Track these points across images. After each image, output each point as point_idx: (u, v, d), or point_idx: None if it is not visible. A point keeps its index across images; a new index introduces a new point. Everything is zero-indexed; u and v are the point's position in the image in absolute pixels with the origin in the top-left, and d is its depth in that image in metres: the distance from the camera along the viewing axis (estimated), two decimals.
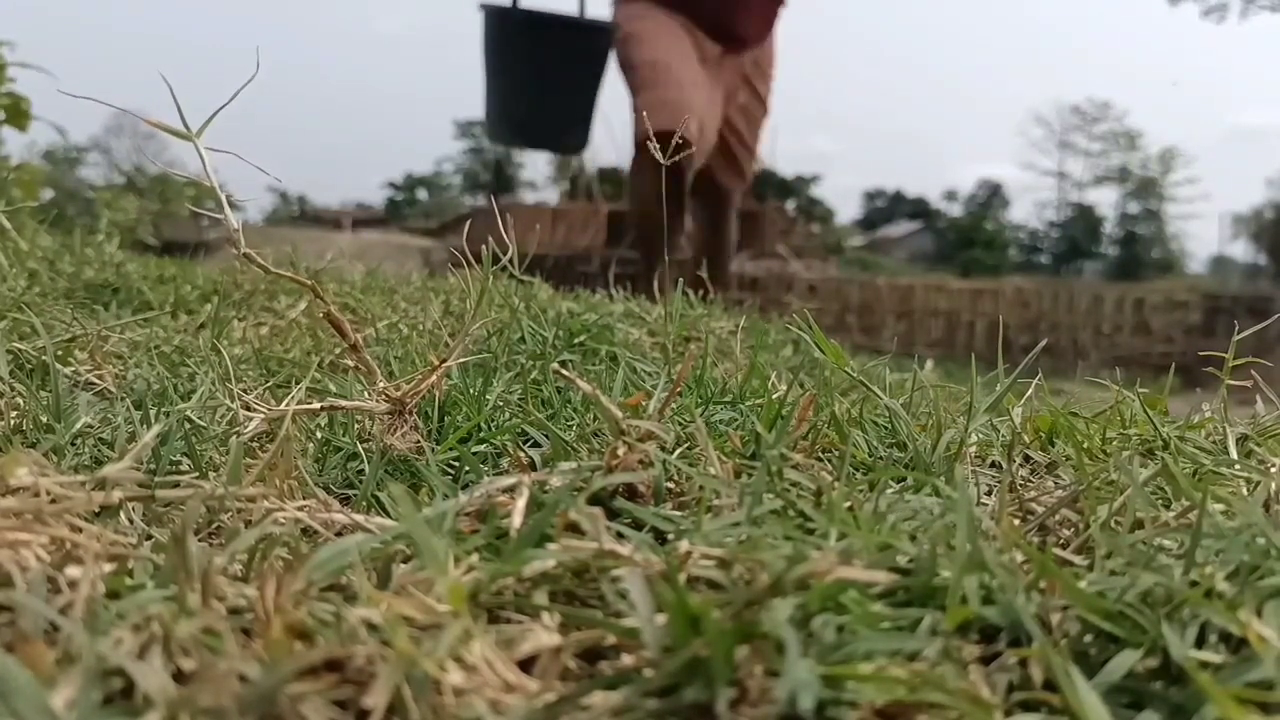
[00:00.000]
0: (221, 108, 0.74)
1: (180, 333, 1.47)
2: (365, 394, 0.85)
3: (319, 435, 0.86)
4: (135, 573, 0.49)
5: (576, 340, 1.43)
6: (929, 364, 1.43)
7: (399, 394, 0.82)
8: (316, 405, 0.80)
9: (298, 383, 0.92)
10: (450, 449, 0.81)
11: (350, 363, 0.87)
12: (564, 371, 0.79)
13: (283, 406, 0.79)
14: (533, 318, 1.56)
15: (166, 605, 0.42)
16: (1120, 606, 0.46)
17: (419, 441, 0.80)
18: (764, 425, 0.80)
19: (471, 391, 0.94)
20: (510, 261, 0.97)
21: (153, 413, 0.84)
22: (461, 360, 0.90)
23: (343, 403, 0.83)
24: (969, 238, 43.77)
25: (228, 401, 0.88)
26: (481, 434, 0.85)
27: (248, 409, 0.82)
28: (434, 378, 0.84)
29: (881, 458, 0.82)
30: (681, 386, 0.84)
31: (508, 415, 0.91)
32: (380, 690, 0.37)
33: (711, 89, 4.05)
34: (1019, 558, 0.53)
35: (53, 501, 0.52)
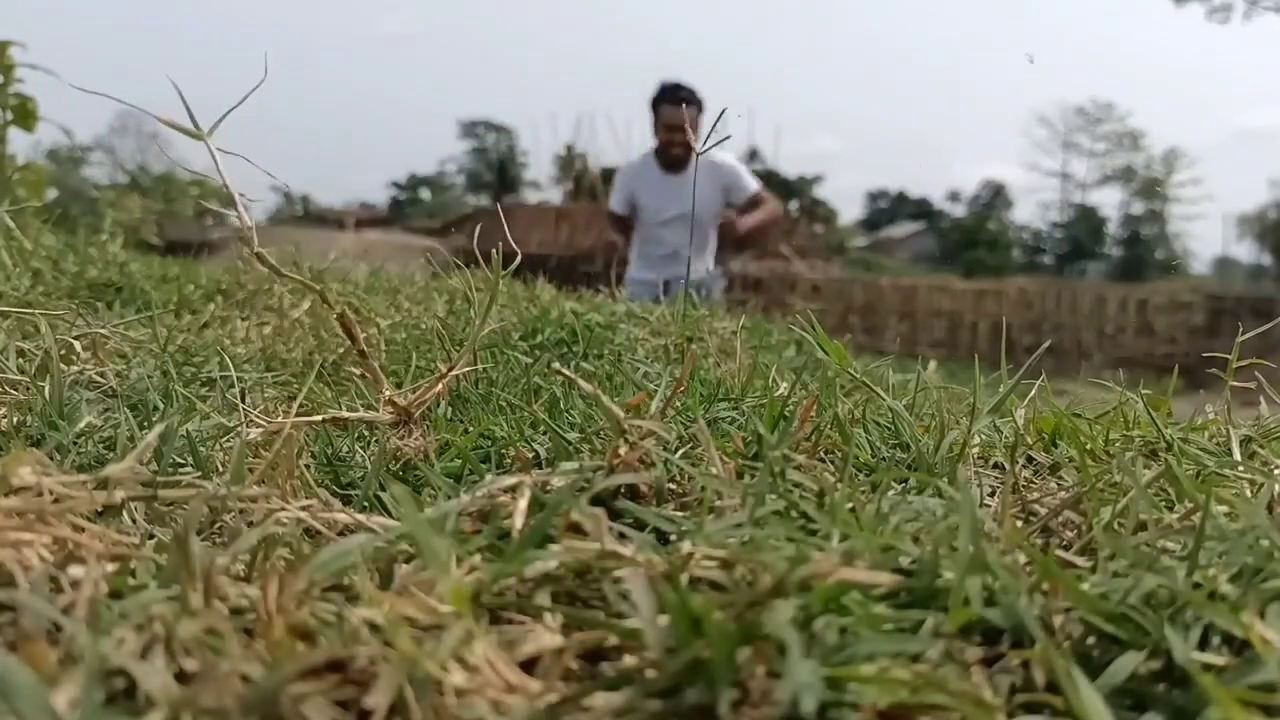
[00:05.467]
0: (232, 109, 0.75)
1: (184, 332, 1.47)
2: (372, 400, 0.86)
3: (323, 438, 0.87)
4: (137, 573, 0.49)
5: (579, 340, 1.43)
6: (931, 365, 1.43)
7: (405, 403, 0.82)
8: (320, 418, 0.81)
9: (300, 385, 0.92)
10: (453, 450, 0.81)
11: (356, 370, 0.87)
12: (566, 371, 0.79)
13: (288, 419, 0.79)
14: (536, 318, 1.56)
15: (169, 605, 0.42)
16: (1123, 608, 0.46)
17: (426, 448, 0.80)
18: (766, 426, 0.80)
19: (478, 389, 0.94)
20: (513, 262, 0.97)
21: (160, 406, 0.84)
22: (467, 367, 0.90)
23: (348, 415, 0.83)
24: (972, 238, 43.72)
25: (237, 404, 0.88)
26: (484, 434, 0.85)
27: (253, 424, 0.82)
28: (439, 385, 0.84)
29: (884, 459, 0.82)
30: (684, 386, 0.84)
31: (512, 413, 0.91)
32: (382, 691, 0.37)
33: None
34: (1022, 559, 0.52)
35: (55, 501, 0.52)
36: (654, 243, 4.59)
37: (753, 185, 4.63)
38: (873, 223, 50.27)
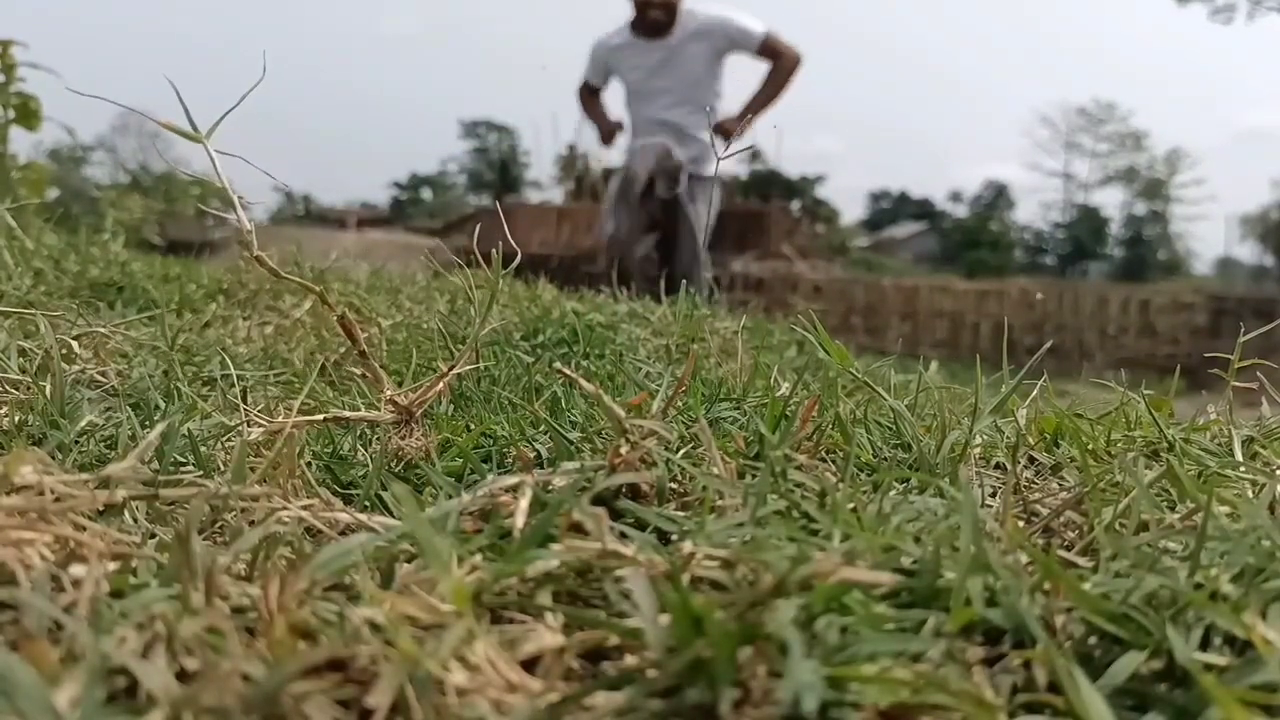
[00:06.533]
0: (229, 111, 0.75)
1: (185, 331, 1.47)
2: (373, 400, 0.86)
3: (324, 437, 0.87)
4: (139, 571, 0.49)
5: (580, 339, 1.43)
6: (933, 365, 1.43)
7: (406, 403, 0.82)
8: (321, 417, 0.81)
9: (302, 385, 0.92)
10: (454, 449, 0.81)
11: (357, 370, 0.87)
12: (567, 370, 0.79)
13: (289, 419, 0.79)
14: (538, 318, 1.56)
15: (170, 604, 0.42)
16: (1125, 609, 0.46)
17: (427, 447, 0.80)
18: (768, 426, 0.80)
19: (480, 388, 0.94)
20: (514, 263, 0.97)
21: (162, 405, 0.84)
22: (468, 366, 0.91)
23: (349, 414, 0.83)
24: (974, 239, 43.69)
25: (239, 404, 0.88)
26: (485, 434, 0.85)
27: (254, 423, 0.82)
28: (440, 385, 0.84)
29: (886, 459, 0.82)
30: (685, 386, 0.84)
31: (513, 412, 0.91)
32: (383, 690, 0.37)
33: None
34: (1023, 559, 0.52)
35: (57, 500, 0.52)
36: (645, 121, 4.04)
37: (756, 31, 3.95)
38: (875, 223, 50.26)
